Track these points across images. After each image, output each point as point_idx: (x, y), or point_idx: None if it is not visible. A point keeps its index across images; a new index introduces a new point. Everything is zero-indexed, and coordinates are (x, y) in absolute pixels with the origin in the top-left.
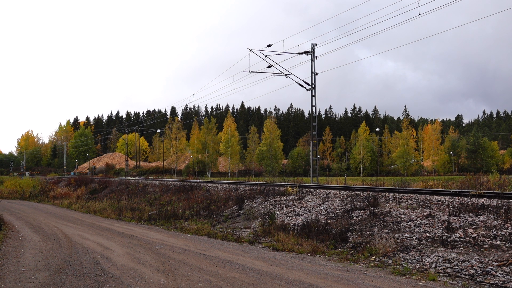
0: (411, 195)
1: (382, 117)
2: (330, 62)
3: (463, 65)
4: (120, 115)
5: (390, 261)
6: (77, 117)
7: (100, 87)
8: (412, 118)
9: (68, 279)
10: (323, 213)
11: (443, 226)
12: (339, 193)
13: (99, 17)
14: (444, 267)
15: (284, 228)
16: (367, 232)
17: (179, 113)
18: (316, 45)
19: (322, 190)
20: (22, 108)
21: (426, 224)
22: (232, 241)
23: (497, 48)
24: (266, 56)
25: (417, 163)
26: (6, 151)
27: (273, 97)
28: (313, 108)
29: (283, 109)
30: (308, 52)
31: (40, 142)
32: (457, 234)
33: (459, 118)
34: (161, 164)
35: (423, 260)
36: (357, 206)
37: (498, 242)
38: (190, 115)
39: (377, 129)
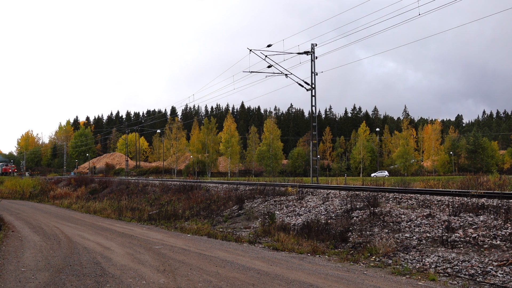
0: (411, 195)
1: (382, 117)
2: (330, 62)
3: (463, 65)
4: (120, 115)
5: (390, 261)
6: (77, 117)
7: (100, 87)
8: (412, 118)
9: (68, 279)
10: (323, 213)
11: (443, 226)
12: (339, 193)
13: (99, 17)
14: (444, 267)
15: (284, 228)
16: (367, 232)
17: (179, 113)
18: (316, 45)
19: (322, 190)
20: (22, 108)
21: (426, 224)
22: (232, 241)
23: (496, 48)
24: (266, 56)
25: (417, 163)
26: (6, 151)
27: (273, 97)
28: (313, 108)
29: (283, 109)
30: (308, 52)
31: (40, 142)
32: (457, 234)
33: (459, 118)
34: (161, 164)
35: (423, 260)
36: (357, 206)
37: (498, 242)
38: (190, 115)
39: (377, 129)
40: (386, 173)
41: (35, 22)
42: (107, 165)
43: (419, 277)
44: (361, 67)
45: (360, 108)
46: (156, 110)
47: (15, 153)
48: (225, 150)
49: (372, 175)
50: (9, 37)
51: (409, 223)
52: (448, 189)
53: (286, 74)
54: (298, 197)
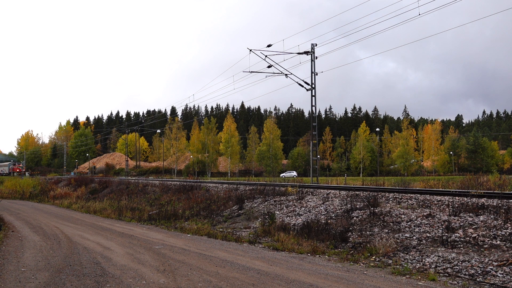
0: (411, 195)
1: (382, 117)
2: (330, 62)
3: (463, 65)
4: (120, 115)
5: (390, 261)
6: (77, 117)
7: (100, 87)
8: (412, 118)
9: (68, 279)
10: (323, 213)
11: (443, 226)
12: (339, 193)
13: (100, 17)
14: (444, 267)
15: (284, 228)
16: (367, 232)
17: (179, 113)
18: (316, 45)
19: (322, 190)
20: (22, 108)
21: (426, 224)
22: (232, 241)
23: (496, 48)
24: (266, 56)
25: (417, 163)
26: (6, 151)
27: (273, 97)
28: (313, 108)
29: (283, 109)
30: (308, 52)
31: (40, 142)
32: (457, 234)
33: (459, 118)
34: (161, 164)
35: (423, 260)
36: (357, 206)
37: (498, 242)
38: (190, 115)
39: (377, 129)
40: (295, 173)
41: (35, 22)
42: (107, 165)
43: (419, 277)
44: (361, 67)
45: (360, 108)
46: (156, 110)
47: (15, 153)
48: (225, 150)
49: (281, 175)
50: (9, 37)
51: (409, 223)
52: (448, 189)
53: (286, 74)
54: (298, 197)
